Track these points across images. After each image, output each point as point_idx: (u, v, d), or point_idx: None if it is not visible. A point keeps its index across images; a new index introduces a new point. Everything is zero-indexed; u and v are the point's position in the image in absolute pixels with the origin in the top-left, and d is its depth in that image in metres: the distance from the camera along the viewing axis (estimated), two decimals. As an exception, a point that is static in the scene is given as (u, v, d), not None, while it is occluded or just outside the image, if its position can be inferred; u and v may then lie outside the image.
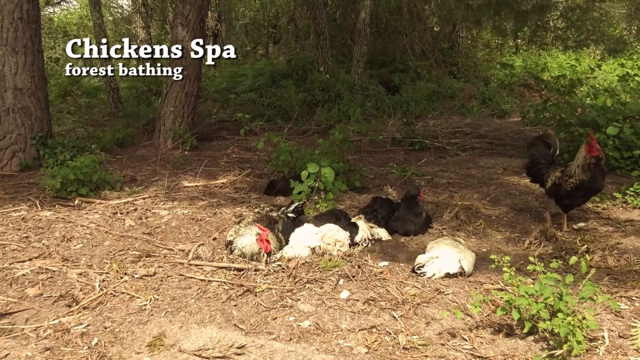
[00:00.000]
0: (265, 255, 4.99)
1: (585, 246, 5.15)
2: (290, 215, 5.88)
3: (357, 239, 5.46)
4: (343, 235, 5.32)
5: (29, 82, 8.80)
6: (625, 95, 10.26)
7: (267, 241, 5.01)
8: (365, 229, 5.64)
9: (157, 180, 8.21)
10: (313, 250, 5.14)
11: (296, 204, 6.16)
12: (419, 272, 4.69)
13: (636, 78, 9.80)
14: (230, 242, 5.21)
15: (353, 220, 5.80)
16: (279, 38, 25.71)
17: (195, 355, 3.50)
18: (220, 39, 25.00)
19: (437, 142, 10.78)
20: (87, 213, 6.59)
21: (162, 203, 7.07)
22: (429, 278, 4.64)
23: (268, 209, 5.90)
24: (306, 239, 5.20)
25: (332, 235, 5.23)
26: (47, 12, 26.63)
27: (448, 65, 19.73)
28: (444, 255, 4.78)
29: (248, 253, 5.01)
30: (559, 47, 19.31)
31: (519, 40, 22.42)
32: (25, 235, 5.74)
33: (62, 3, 29.18)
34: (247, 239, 5.05)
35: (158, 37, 26.29)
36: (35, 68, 8.91)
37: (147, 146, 10.92)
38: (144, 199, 7.21)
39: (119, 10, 30.13)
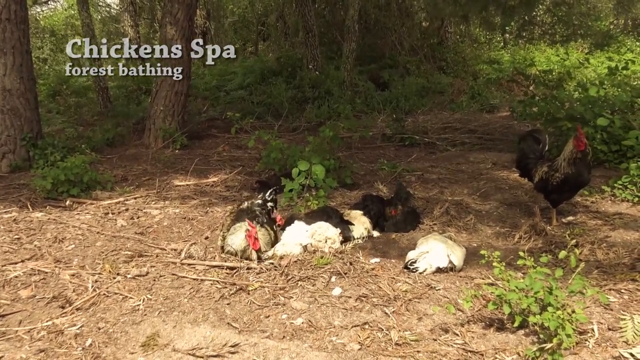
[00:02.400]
0: (254, 252, 5.00)
1: (575, 240, 5.18)
2: (270, 204, 5.80)
3: (357, 234, 5.60)
4: (333, 232, 5.35)
5: (18, 83, 8.77)
6: (613, 89, 10.30)
7: (256, 238, 5.01)
8: (367, 222, 5.73)
9: (148, 180, 8.21)
10: (305, 247, 5.17)
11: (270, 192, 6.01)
12: (411, 267, 4.72)
13: (623, 72, 9.84)
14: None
15: (353, 214, 5.84)
16: (268, 35, 25.69)
17: (189, 354, 3.51)
18: (209, 37, 24.94)
19: (427, 137, 10.82)
20: (78, 214, 6.58)
21: (153, 202, 7.07)
22: (421, 273, 4.68)
23: (248, 203, 5.81)
24: (297, 236, 5.22)
25: (323, 232, 5.26)
26: (34, 12, 26.47)
27: (437, 60, 19.76)
28: (433, 250, 4.82)
29: (238, 249, 5.01)
30: (546, 41, 19.39)
31: (507, 35, 22.49)
32: (16, 236, 5.73)
33: (49, 2, 29.01)
34: (238, 237, 5.06)
35: (147, 36, 26.22)
36: (24, 69, 8.88)
37: (137, 145, 10.91)
38: (135, 198, 7.21)
39: (107, 9, 29.99)
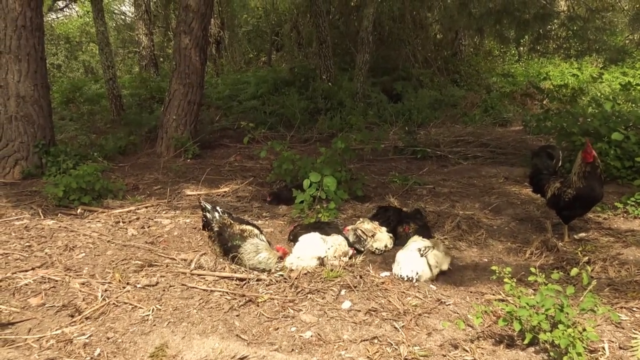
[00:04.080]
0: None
1: (587, 257, 5.15)
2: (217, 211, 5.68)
3: (380, 246, 5.70)
4: (347, 246, 5.39)
5: (32, 90, 8.83)
6: (627, 105, 10.27)
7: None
8: (387, 237, 5.80)
9: (159, 189, 8.24)
10: (321, 260, 5.14)
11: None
12: (416, 277, 4.77)
13: (637, 87, 9.81)
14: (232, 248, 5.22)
15: (370, 225, 5.84)
16: (282, 45, 25.78)
17: (197, 366, 3.51)
18: (222, 46, 25.08)
19: (439, 150, 10.80)
20: (89, 222, 6.60)
21: (164, 212, 7.08)
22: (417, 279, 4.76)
23: (217, 223, 5.59)
24: (314, 249, 5.20)
25: (341, 249, 5.26)
26: (49, 19, 26.75)
27: (450, 73, 19.75)
28: (400, 262, 5.00)
29: (269, 268, 5.07)
30: (560, 55, 19.32)
31: (521, 48, 22.44)
32: (27, 244, 5.75)
33: (64, 9, 29.32)
34: (271, 258, 5.12)
35: (161, 44, 26.40)
36: (39, 76, 8.94)
37: (149, 154, 10.96)
38: (146, 207, 7.22)
39: (122, 17, 30.28)
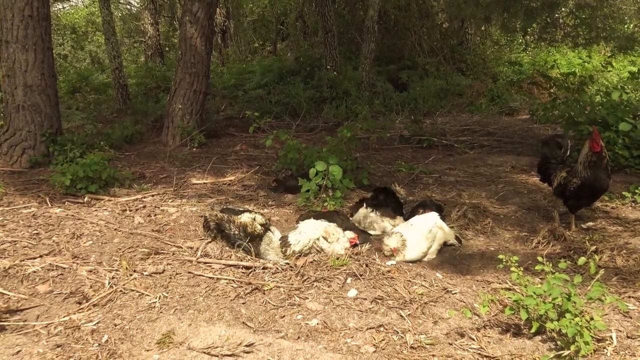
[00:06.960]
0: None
1: (594, 246, 5.13)
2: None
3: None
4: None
5: (39, 79, 8.83)
6: (635, 94, 10.20)
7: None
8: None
9: (165, 178, 8.25)
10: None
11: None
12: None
13: (646, 76, 9.74)
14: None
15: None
16: (287, 35, 25.71)
17: (204, 353, 3.52)
18: (228, 36, 25.04)
19: (445, 139, 10.77)
20: (96, 210, 6.62)
21: (170, 200, 7.09)
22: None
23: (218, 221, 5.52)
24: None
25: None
26: (55, 9, 26.76)
27: (456, 62, 19.64)
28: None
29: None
30: (568, 43, 19.19)
31: (528, 37, 22.31)
32: (35, 232, 5.77)
33: (71, -1, 29.33)
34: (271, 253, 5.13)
35: (166, 34, 26.36)
36: (45, 65, 8.94)
37: (155, 143, 10.95)
38: (152, 196, 7.23)
39: (128, 7, 30.27)
